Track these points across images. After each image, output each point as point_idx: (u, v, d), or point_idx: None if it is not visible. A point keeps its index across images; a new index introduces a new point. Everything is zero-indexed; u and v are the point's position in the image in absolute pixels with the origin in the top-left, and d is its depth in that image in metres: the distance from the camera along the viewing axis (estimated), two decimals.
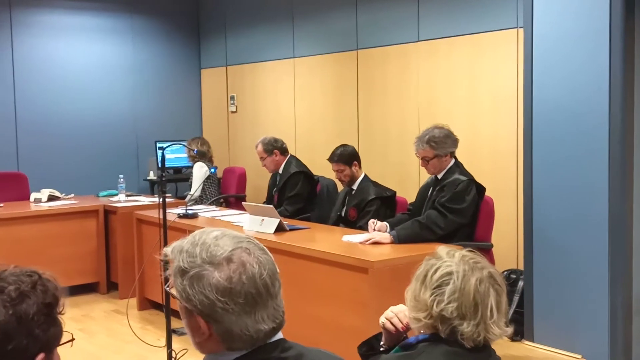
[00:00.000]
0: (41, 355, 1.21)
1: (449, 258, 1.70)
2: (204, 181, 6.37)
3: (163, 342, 4.40)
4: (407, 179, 5.73)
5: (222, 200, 6.62)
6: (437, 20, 5.56)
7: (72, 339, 1.30)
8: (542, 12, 4.34)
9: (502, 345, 4.47)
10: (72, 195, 6.57)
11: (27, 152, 7.24)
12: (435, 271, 1.68)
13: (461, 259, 1.69)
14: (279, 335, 1.39)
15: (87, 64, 7.60)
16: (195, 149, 6.23)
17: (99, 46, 7.69)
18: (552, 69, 4.30)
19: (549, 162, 4.35)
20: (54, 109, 7.38)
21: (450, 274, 1.66)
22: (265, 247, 1.41)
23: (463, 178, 4.11)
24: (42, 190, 6.37)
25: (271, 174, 5.93)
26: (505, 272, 4.86)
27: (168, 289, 1.39)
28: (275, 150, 5.72)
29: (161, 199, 4.12)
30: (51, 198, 6.32)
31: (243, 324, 1.30)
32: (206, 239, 1.35)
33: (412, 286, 1.73)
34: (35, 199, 6.30)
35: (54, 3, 7.42)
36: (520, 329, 4.57)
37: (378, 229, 4.15)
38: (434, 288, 1.66)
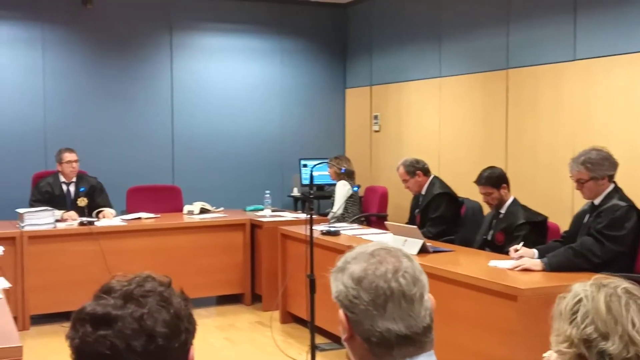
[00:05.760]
0: (193, 348, 1.27)
1: (580, 287, 1.64)
2: (346, 199, 6.44)
3: (304, 356, 4.48)
4: (559, 205, 5.48)
5: (363, 218, 6.66)
6: (595, 38, 5.31)
7: None
8: None
9: None
10: (222, 208, 6.84)
11: (182, 166, 7.67)
12: (567, 302, 1.63)
13: (592, 284, 1.62)
14: (432, 356, 1.37)
15: (237, 83, 7.95)
16: (343, 168, 6.32)
17: (249, 67, 8.02)
18: None
19: None
20: (207, 127, 7.77)
21: (580, 300, 1.60)
22: (412, 257, 1.43)
23: (622, 204, 3.88)
24: (194, 203, 6.69)
25: (413, 195, 5.88)
26: None
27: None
28: (417, 172, 5.67)
29: (309, 216, 4.20)
30: (202, 211, 6.63)
31: (372, 317, 1.34)
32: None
33: (553, 326, 1.69)
34: (188, 211, 6.64)
35: (209, 26, 7.84)
36: None
37: (523, 255, 4.01)
38: (570, 317, 1.60)
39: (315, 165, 4.92)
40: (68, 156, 6.08)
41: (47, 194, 6.07)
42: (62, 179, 6.15)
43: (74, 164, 6.10)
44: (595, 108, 5.31)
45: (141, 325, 1.18)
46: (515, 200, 4.75)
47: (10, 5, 6.99)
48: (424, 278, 1.41)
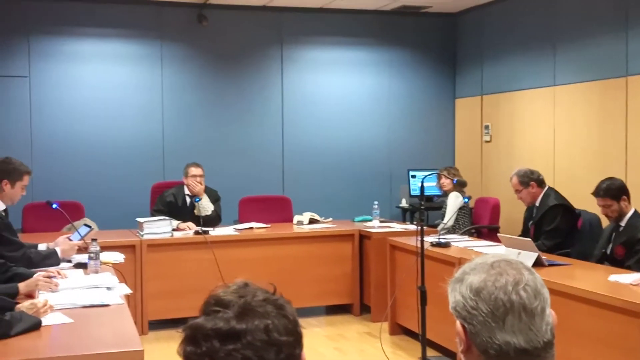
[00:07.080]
0: (304, 353, 1.27)
1: None
2: (457, 211, 6.34)
3: None
4: None
5: (473, 230, 6.53)
6: None
7: None
8: None
9: None
10: (330, 219, 6.90)
11: (292, 177, 7.82)
12: None
13: None
14: None
15: (346, 95, 8.02)
16: (456, 179, 6.24)
17: (358, 78, 8.07)
18: None
19: None
20: (317, 139, 7.89)
21: None
22: (534, 270, 1.39)
23: None
24: (304, 214, 6.79)
25: (527, 206, 5.71)
26: None
27: None
28: (531, 182, 5.51)
29: (419, 227, 4.17)
30: (312, 221, 6.72)
31: (490, 330, 1.31)
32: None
33: None
34: (297, 221, 6.75)
35: (318, 40, 7.96)
36: None
37: None
38: None
39: (426, 176, 4.88)
40: (193, 170, 6.33)
41: (170, 204, 6.34)
42: (186, 191, 6.40)
43: (198, 179, 6.33)
44: None
45: (269, 336, 1.18)
46: (636, 213, 4.53)
47: (132, 25, 7.38)
48: (546, 292, 1.37)
